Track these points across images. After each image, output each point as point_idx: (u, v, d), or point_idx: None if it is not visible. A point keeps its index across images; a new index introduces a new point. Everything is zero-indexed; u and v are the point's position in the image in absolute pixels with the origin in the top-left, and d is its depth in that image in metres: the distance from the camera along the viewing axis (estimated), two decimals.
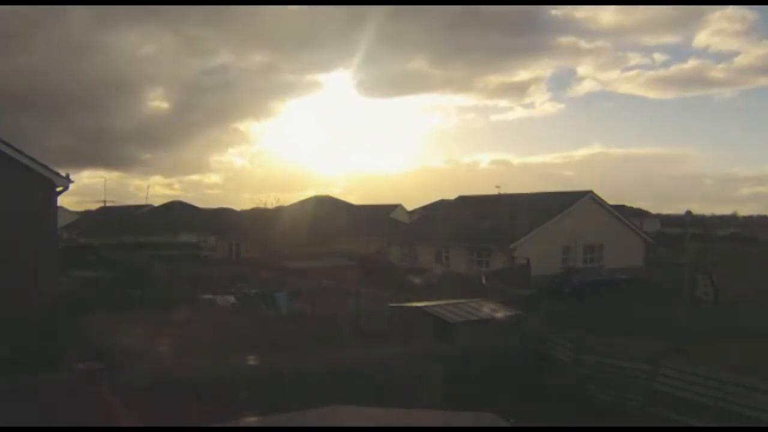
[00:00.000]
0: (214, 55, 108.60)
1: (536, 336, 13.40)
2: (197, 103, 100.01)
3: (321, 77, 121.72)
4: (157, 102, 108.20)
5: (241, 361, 13.47)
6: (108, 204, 67.64)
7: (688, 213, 20.67)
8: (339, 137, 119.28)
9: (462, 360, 11.94)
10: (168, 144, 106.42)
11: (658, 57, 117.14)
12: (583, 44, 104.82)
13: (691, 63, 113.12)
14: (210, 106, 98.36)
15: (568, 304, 25.32)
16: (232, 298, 21.82)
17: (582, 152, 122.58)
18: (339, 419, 4.86)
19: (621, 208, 45.65)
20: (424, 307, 14.87)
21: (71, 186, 15.96)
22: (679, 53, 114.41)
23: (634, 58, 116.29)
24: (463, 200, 42.95)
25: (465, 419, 5.32)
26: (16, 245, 14.91)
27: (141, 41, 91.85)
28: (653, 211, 74.53)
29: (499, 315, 14.61)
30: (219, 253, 48.54)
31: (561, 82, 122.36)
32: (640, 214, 67.44)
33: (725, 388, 9.62)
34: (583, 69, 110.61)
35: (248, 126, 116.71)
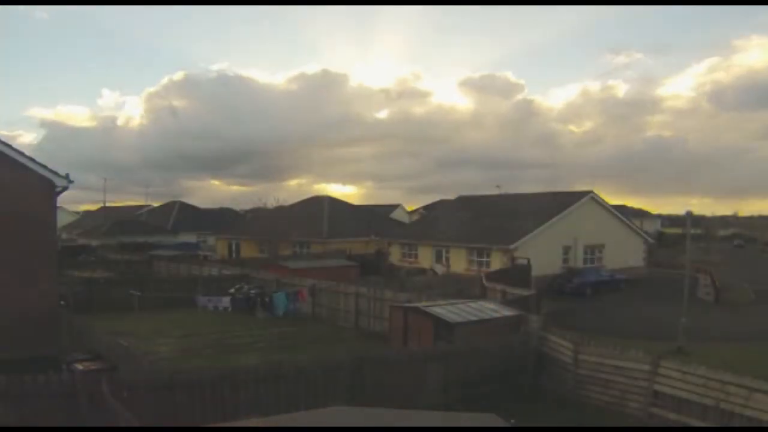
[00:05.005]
0: None
1: (537, 336, 13.36)
2: None
3: None
4: None
5: (240, 361, 13.48)
6: (108, 204, 67.92)
7: (689, 213, 20.61)
8: None
9: (462, 360, 11.93)
10: None
11: None
12: None
13: None
14: None
15: (569, 304, 25.37)
16: (230, 299, 21.80)
17: None
18: (339, 419, 4.85)
19: (621, 208, 45.74)
20: (424, 307, 14.82)
21: (71, 186, 15.94)
22: None
23: None
24: (463, 200, 43.00)
25: (465, 419, 5.31)
26: (15, 245, 14.90)
27: None
28: (653, 211, 74.92)
29: (500, 315, 14.57)
30: (219, 253, 48.54)
31: None
32: (641, 214, 67.70)
33: (726, 388, 9.60)
34: None
35: None
